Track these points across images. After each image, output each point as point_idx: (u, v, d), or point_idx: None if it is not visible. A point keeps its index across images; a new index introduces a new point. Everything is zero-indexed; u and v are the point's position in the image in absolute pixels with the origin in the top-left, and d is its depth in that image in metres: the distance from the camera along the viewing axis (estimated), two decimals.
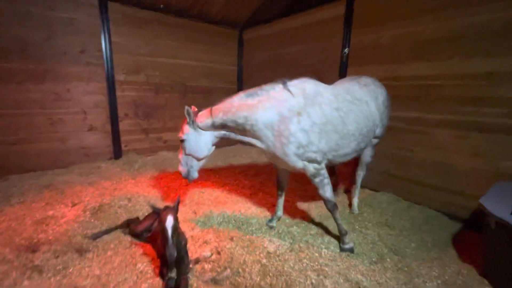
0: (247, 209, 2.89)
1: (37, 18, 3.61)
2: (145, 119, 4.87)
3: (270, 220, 2.66)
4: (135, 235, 2.29)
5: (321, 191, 2.25)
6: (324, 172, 2.24)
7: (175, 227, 1.72)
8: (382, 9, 3.37)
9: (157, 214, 1.80)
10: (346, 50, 3.79)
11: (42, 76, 3.76)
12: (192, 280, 1.83)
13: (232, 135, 2.33)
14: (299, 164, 2.17)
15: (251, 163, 4.72)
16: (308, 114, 2.11)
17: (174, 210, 1.78)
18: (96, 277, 1.84)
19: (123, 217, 2.61)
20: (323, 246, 2.29)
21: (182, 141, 2.38)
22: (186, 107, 2.27)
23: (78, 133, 4.18)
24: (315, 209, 3.01)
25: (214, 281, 1.83)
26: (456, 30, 2.78)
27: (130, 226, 2.36)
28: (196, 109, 2.38)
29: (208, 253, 2.10)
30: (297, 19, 4.58)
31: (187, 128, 2.34)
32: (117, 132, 4.53)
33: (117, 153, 4.57)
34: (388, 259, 2.18)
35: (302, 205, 3.10)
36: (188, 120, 2.30)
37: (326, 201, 2.28)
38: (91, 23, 4.03)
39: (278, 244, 2.29)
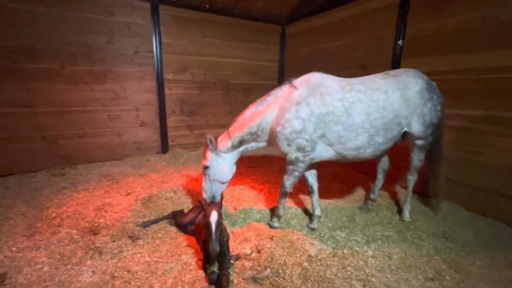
0: (287, 209, 2.83)
1: (100, 23, 4.01)
2: (190, 116, 5.12)
3: (311, 222, 2.57)
4: (180, 227, 2.41)
5: (285, 177, 2.38)
6: (303, 165, 2.31)
7: (219, 223, 1.76)
8: None
9: (202, 208, 1.85)
10: (400, 42, 3.44)
11: (104, 77, 4.19)
12: (233, 276, 1.85)
13: (249, 147, 2.47)
14: (285, 147, 2.27)
15: None
16: (308, 103, 2.17)
17: (219, 206, 1.81)
18: (146, 263, 1.98)
19: (169, 208, 2.78)
20: (369, 255, 2.13)
21: (206, 167, 2.46)
22: (208, 136, 2.39)
23: (131, 128, 4.57)
24: (360, 213, 2.82)
25: (254, 279, 1.83)
26: None
27: (175, 218, 2.50)
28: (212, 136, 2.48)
29: (248, 251, 2.11)
30: (344, 10, 4.31)
31: (210, 155, 2.43)
32: (164, 128, 4.84)
33: (164, 148, 4.89)
34: (447, 277, 1.93)
35: (347, 209, 2.92)
36: (210, 147, 2.41)
37: (283, 186, 2.41)
38: (144, 25, 4.34)
39: (319, 248, 2.19)
